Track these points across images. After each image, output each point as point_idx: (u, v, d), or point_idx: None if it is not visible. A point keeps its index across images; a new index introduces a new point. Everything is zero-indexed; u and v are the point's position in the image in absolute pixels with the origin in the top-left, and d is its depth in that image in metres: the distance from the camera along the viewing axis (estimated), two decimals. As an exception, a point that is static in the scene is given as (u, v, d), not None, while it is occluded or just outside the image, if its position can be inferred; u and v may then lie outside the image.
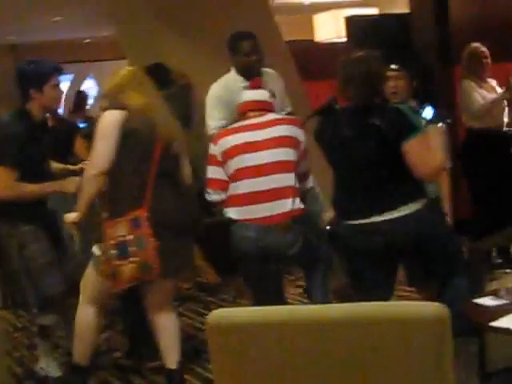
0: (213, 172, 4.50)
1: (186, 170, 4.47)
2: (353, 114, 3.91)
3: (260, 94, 4.62)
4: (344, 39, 8.88)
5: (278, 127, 4.43)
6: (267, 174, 4.32)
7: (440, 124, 4.31)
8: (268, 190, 4.30)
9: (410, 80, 4.42)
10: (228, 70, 5.18)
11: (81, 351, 4.44)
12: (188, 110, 6.62)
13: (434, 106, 4.18)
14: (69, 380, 4.61)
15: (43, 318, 4.80)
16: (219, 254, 5.03)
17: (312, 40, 11.04)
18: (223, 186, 4.45)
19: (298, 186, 4.39)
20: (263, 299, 4.42)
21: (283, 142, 4.38)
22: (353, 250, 4.01)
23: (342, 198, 4.03)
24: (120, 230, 4.07)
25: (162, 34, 7.05)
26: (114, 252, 4.08)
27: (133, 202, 4.11)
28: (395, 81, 4.36)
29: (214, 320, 2.39)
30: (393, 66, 4.24)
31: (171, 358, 4.43)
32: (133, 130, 4.13)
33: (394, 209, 3.77)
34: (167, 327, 4.44)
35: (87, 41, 14.68)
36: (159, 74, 6.31)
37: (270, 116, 4.51)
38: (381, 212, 3.79)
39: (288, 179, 4.34)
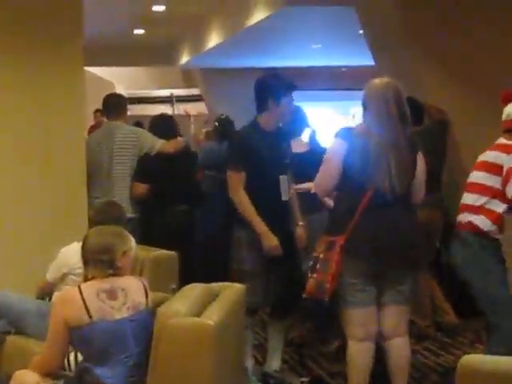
0: None
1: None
2: None
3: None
4: None
5: None
6: None
7: None
8: None
9: None
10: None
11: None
12: (442, 146, 6.55)
13: None
14: None
15: None
16: (460, 295, 4.91)
17: None
18: None
19: None
20: None
21: None
22: None
23: None
24: (320, 247, 4.32)
25: (423, 68, 7.00)
26: (310, 263, 4.34)
27: (339, 227, 4.26)
28: None
29: (464, 364, 2.33)
30: None
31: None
32: None
33: None
34: (398, 352, 4.41)
35: (344, 69, 14.92)
36: (411, 108, 6.30)
37: None
38: None
39: None
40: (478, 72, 6.61)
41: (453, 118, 6.71)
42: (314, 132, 6.31)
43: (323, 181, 4.37)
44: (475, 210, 4.55)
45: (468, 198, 4.62)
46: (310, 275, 4.31)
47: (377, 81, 4.35)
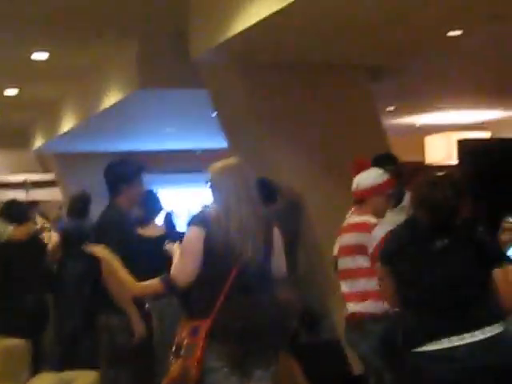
0: None
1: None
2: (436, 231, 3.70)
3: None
4: (454, 162, 8.84)
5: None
6: None
7: None
8: None
9: None
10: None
11: None
12: (295, 225, 6.62)
13: None
14: None
15: None
16: (322, 375, 4.92)
17: (422, 162, 11.05)
18: None
19: None
20: None
21: None
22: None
23: (422, 319, 3.72)
24: (183, 331, 4.16)
25: (274, 148, 7.13)
26: (173, 349, 4.18)
27: (203, 310, 4.11)
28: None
29: None
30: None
31: None
32: None
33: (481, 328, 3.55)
34: None
35: (198, 153, 15.01)
36: (264, 189, 6.36)
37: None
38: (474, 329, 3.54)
39: None
40: (334, 158, 6.78)
41: (308, 200, 6.81)
42: (170, 214, 6.28)
43: (186, 268, 4.16)
44: (359, 297, 4.49)
45: (344, 286, 4.58)
46: (172, 360, 4.16)
47: (223, 164, 4.31)
